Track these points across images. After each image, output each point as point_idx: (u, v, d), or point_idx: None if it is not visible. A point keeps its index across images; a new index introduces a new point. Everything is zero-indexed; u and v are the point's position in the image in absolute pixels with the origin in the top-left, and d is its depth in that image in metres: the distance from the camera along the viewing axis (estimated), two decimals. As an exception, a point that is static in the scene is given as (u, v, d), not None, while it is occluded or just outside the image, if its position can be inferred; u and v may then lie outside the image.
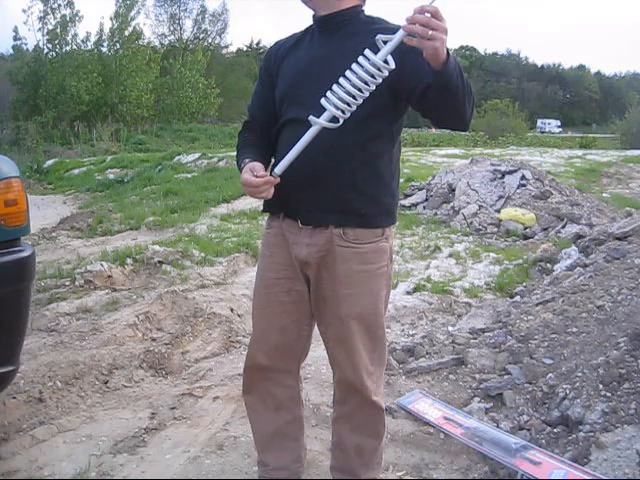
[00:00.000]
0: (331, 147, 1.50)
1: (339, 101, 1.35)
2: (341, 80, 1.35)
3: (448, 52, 1.30)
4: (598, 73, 72.63)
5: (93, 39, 24.47)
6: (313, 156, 1.49)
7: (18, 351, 2.04)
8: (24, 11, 23.44)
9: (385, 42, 1.31)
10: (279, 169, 1.44)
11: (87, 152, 17.61)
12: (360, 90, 1.34)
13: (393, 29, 1.48)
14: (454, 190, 7.53)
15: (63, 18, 23.21)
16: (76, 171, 13.45)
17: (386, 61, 1.31)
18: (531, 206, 6.81)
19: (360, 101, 1.37)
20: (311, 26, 1.63)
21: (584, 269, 3.61)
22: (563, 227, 6.16)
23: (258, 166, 1.48)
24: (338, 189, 1.54)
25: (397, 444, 2.24)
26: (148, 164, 12.46)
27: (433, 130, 33.22)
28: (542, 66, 71.36)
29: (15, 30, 23.45)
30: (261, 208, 1.73)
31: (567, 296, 3.11)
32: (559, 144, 24.34)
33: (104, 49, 24.63)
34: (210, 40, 35.35)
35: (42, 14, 22.98)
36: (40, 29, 23.37)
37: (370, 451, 1.76)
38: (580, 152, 16.87)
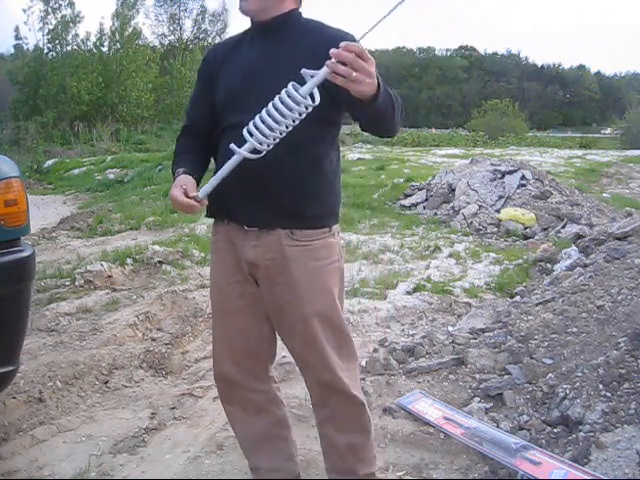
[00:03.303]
0: (274, 152, 1.42)
1: (260, 134, 1.32)
2: (263, 112, 1.32)
3: (379, 84, 1.28)
4: (598, 73, 72.61)
5: (93, 39, 24.48)
6: (255, 161, 1.44)
7: (18, 351, 2.05)
8: (24, 11, 23.31)
9: (312, 76, 1.26)
10: (202, 193, 1.42)
11: (87, 152, 17.58)
12: (282, 125, 1.31)
13: (329, 36, 1.45)
14: (454, 190, 7.53)
15: (63, 18, 23.21)
16: (76, 171, 13.44)
17: (312, 95, 1.28)
18: (531, 206, 6.82)
19: (283, 135, 1.33)
20: (249, 28, 1.61)
21: (584, 269, 3.61)
22: (563, 227, 6.16)
23: (190, 183, 1.46)
24: (283, 192, 1.52)
25: (397, 444, 2.24)
26: (148, 164, 12.46)
27: (433, 130, 33.22)
28: (542, 66, 71.38)
29: (16, 30, 23.47)
30: None
31: (567, 296, 3.11)
32: (559, 144, 24.32)
33: (104, 49, 24.63)
34: (210, 40, 35.30)
35: (43, 14, 22.98)
36: (41, 29, 23.38)
37: (361, 446, 1.75)
38: (580, 152, 16.87)
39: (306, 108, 1.29)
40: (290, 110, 1.29)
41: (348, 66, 1.19)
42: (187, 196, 1.43)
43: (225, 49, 1.64)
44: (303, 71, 1.27)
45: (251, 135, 1.33)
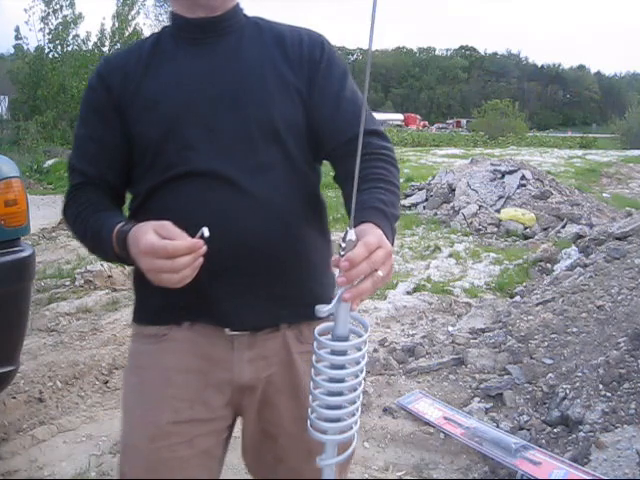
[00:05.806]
0: (278, 216, 0.98)
1: (339, 424, 0.76)
2: (320, 401, 0.76)
3: (387, 236, 0.89)
4: (598, 73, 72.70)
5: (94, 39, 24.52)
6: (256, 232, 0.96)
7: (18, 351, 2.05)
8: (25, 11, 23.36)
9: (331, 313, 0.77)
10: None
11: (87, 152, 17.57)
12: (358, 399, 0.78)
13: (281, 31, 1.08)
14: (454, 190, 7.53)
15: (64, 18, 23.24)
16: (76, 171, 13.44)
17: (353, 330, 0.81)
18: (531, 206, 6.82)
19: (358, 405, 0.77)
20: (161, 34, 1.16)
21: (584, 269, 3.61)
22: (563, 227, 6.17)
23: (167, 224, 0.85)
24: (292, 270, 1.01)
25: (397, 444, 2.24)
26: (148, 164, 12.47)
27: (433, 130, 33.24)
28: (542, 66, 71.47)
29: (17, 30, 23.49)
30: None
31: (567, 296, 3.11)
32: (559, 144, 24.34)
33: (105, 49, 24.65)
34: (210, 40, 35.29)
35: (44, 14, 23.02)
36: (41, 29, 23.41)
37: None
38: (580, 152, 16.88)
39: (360, 349, 0.79)
40: (347, 369, 0.77)
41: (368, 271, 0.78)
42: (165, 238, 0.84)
43: (132, 65, 1.06)
44: (317, 311, 0.76)
45: (325, 432, 0.76)
